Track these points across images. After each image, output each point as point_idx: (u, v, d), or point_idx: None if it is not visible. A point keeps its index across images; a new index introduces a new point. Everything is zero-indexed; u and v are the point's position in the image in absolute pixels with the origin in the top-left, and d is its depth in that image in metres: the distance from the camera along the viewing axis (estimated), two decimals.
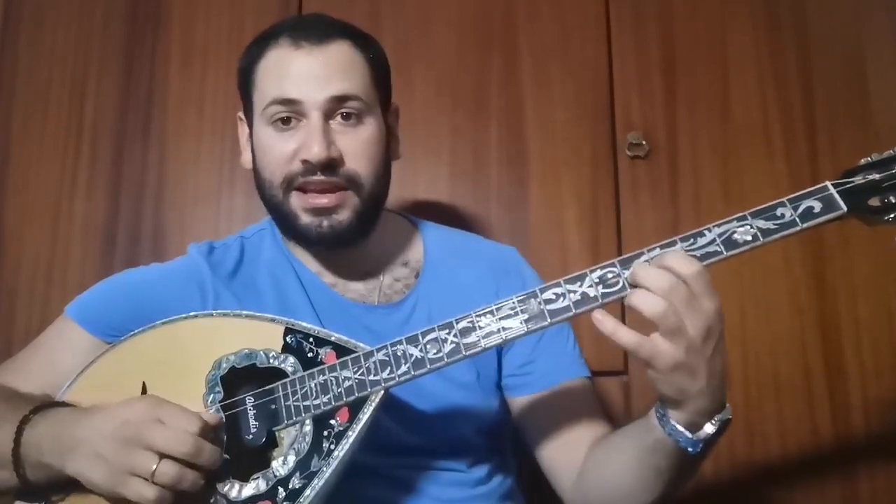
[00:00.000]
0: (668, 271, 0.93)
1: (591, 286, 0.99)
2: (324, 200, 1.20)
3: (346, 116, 1.21)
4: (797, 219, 0.97)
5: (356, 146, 1.21)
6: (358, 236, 1.25)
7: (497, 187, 1.82)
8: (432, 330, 1.03)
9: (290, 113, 1.19)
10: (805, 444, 1.66)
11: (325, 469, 1.01)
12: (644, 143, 1.79)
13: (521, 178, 1.82)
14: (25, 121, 1.88)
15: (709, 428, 0.99)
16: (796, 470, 1.65)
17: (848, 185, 0.99)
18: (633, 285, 0.96)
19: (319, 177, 1.19)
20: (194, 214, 1.84)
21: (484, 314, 1.01)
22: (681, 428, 0.99)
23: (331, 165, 1.19)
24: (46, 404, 1.10)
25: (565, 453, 1.23)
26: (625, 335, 0.94)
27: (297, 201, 1.22)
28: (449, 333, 1.02)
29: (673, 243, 0.98)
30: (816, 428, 1.67)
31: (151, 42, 1.91)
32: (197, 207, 1.84)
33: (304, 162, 1.19)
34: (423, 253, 1.37)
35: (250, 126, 1.28)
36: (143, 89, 1.89)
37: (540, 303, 1.00)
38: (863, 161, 1.01)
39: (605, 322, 0.95)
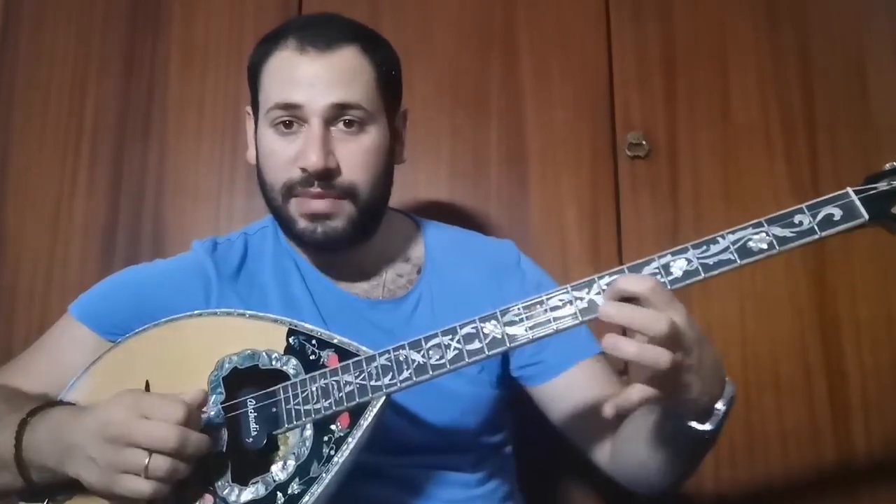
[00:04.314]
0: (626, 304, 0.93)
1: (599, 293, 0.97)
2: (319, 206, 1.20)
3: (348, 124, 1.20)
4: (816, 227, 0.94)
5: (355, 156, 1.21)
6: (354, 242, 1.25)
7: (497, 187, 1.82)
8: (435, 335, 1.02)
9: (291, 117, 1.19)
10: (805, 444, 1.66)
11: (324, 475, 1.01)
12: (644, 143, 1.79)
13: (521, 178, 1.82)
14: (25, 121, 1.88)
15: (717, 411, 0.99)
16: (796, 470, 1.66)
17: (870, 192, 0.94)
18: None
19: (316, 188, 1.19)
20: (194, 214, 1.84)
21: (488, 320, 1.00)
22: (694, 423, 1.00)
23: (327, 175, 1.19)
24: (43, 406, 1.10)
25: (594, 431, 1.25)
26: (649, 384, 0.95)
27: (295, 206, 1.22)
28: (452, 339, 1.01)
29: (685, 250, 0.97)
30: (816, 428, 1.67)
31: (151, 42, 1.90)
32: (197, 207, 1.84)
33: (302, 170, 1.19)
34: (425, 249, 1.38)
35: (256, 123, 1.28)
36: (143, 89, 1.89)
37: (546, 310, 0.98)
38: (887, 166, 0.96)
39: (607, 340, 0.94)
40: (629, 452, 1.17)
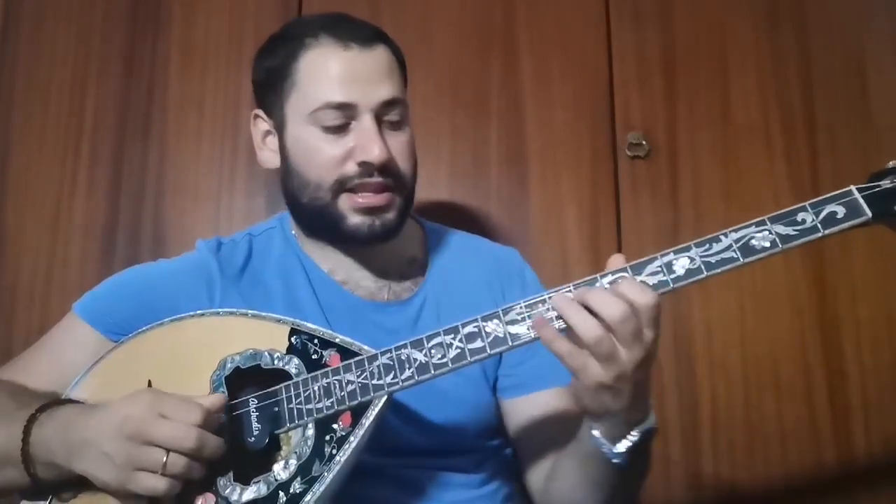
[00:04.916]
0: (622, 300, 0.92)
1: None
2: (379, 199, 1.21)
3: (393, 119, 1.22)
4: (819, 224, 0.93)
5: (402, 148, 1.24)
6: (398, 234, 1.27)
7: (497, 187, 1.82)
8: (437, 334, 1.01)
9: (345, 118, 1.20)
10: (805, 444, 1.67)
11: (326, 474, 1.00)
12: (644, 143, 1.79)
13: (521, 178, 1.82)
14: (25, 121, 1.88)
15: (631, 437, 0.99)
16: (796, 470, 1.66)
17: (874, 190, 0.93)
18: (584, 305, 0.95)
19: (376, 178, 1.20)
20: (194, 214, 1.84)
21: (491, 319, 1.00)
22: (603, 440, 1.00)
23: (387, 167, 1.20)
24: (53, 402, 1.10)
25: (540, 456, 1.25)
26: (560, 346, 0.95)
27: (346, 203, 1.22)
28: (454, 338, 1.00)
29: (687, 248, 0.96)
30: (816, 428, 1.67)
31: (151, 42, 1.90)
32: (197, 207, 1.84)
33: (363, 164, 1.19)
34: (429, 252, 1.38)
35: (279, 125, 1.27)
36: (143, 89, 1.89)
37: (548, 309, 0.98)
38: (891, 164, 0.95)
39: (544, 330, 0.95)
40: (557, 478, 1.17)
